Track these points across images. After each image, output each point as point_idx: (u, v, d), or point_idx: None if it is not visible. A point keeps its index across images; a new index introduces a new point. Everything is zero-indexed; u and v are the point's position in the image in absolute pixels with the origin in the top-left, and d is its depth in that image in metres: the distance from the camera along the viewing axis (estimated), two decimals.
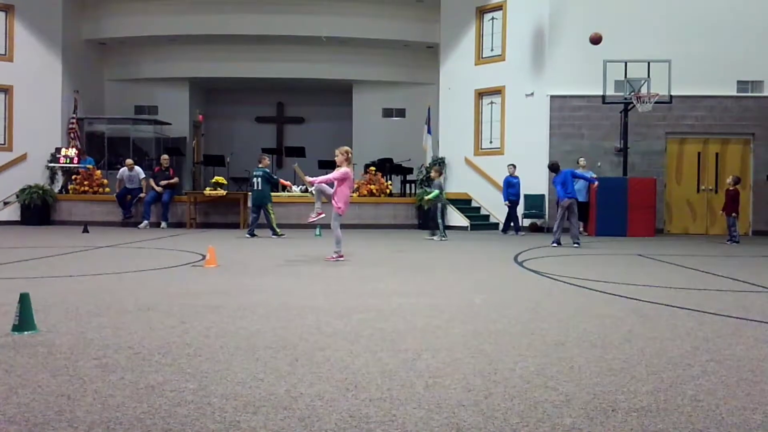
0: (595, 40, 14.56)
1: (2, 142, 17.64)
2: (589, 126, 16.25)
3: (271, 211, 13.33)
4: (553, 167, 12.59)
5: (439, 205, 13.35)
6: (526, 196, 16.05)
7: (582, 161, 15.14)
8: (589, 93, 15.80)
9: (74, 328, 4.32)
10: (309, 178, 9.09)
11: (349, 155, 9.01)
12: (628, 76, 14.99)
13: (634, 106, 14.87)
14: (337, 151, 9.02)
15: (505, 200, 15.38)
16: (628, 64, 15.00)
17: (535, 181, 15.97)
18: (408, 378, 3.26)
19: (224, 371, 3.34)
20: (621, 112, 15.36)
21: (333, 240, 8.98)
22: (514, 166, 15.49)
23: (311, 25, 19.62)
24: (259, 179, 13.22)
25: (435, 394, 3.01)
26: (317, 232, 13.86)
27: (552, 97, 16.23)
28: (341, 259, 8.85)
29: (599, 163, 15.95)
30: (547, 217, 16.11)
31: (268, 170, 13.50)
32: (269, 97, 24.39)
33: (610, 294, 6.14)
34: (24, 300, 4.19)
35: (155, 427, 2.55)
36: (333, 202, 8.95)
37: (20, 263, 8.19)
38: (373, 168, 17.58)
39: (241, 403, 2.84)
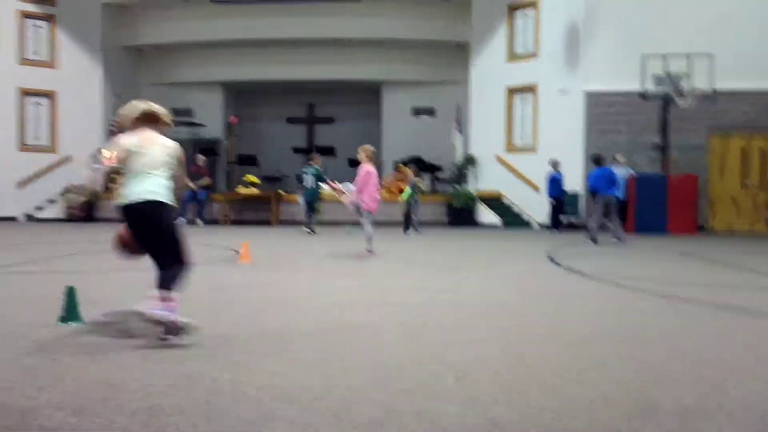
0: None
1: (48, 145, 18.19)
2: (627, 122, 15.93)
3: (318, 209, 13.56)
4: (597, 159, 12.15)
5: (412, 201, 13.66)
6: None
7: (620, 157, 14.77)
8: (626, 89, 15.43)
9: (115, 320, 4.48)
10: (347, 200, 9.42)
11: (372, 154, 9.15)
12: (667, 71, 14.59)
13: (674, 101, 14.54)
14: (360, 150, 9.20)
15: (550, 197, 15.00)
16: (667, 58, 14.58)
17: (570, 179, 15.76)
18: (438, 372, 3.27)
19: (258, 362, 3.44)
20: (660, 107, 15.03)
21: (365, 237, 9.09)
22: (558, 162, 15.15)
23: (340, 27, 19.75)
24: (311, 177, 13.46)
25: (466, 389, 3.01)
26: (348, 230, 13.95)
27: (587, 93, 15.99)
28: (371, 253, 8.97)
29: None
30: (582, 214, 15.90)
31: (319, 169, 13.74)
32: (300, 98, 24.56)
33: (648, 291, 6.03)
34: (70, 293, 4.36)
35: (194, 414, 2.65)
36: (362, 201, 9.06)
37: (66, 258, 8.45)
38: (402, 165, 17.61)
39: (276, 394, 2.92)
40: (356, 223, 14.09)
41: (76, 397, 2.85)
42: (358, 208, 9.20)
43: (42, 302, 5.09)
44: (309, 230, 13.39)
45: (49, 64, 18.26)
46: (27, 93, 17.89)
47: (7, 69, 17.42)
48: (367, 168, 9.02)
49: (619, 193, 13.71)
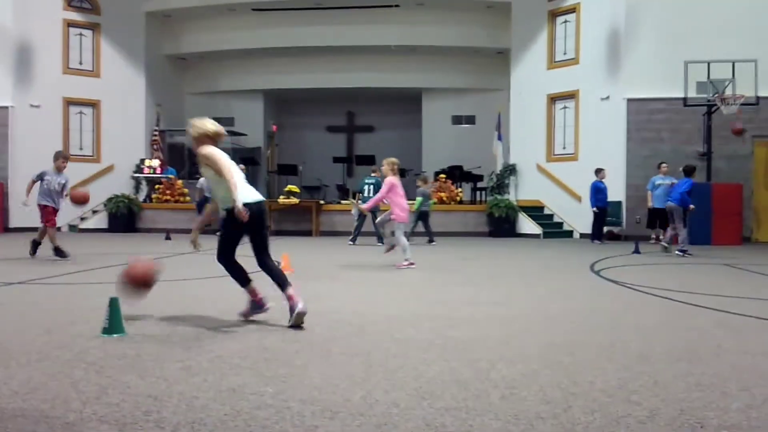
0: (738, 132, 14.07)
1: (91, 154, 18.58)
2: (670, 129, 15.65)
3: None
4: (688, 171, 11.79)
5: (419, 213, 13.78)
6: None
7: (664, 167, 14.46)
8: (669, 95, 15.19)
9: (159, 332, 4.50)
10: (363, 206, 9.60)
11: (395, 166, 9.20)
12: (711, 77, 14.35)
13: (718, 108, 14.25)
14: (384, 162, 9.30)
15: (593, 206, 14.68)
16: (710, 64, 14.36)
17: (612, 188, 15.49)
18: (483, 388, 3.23)
19: (301, 376, 3.41)
20: (704, 115, 14.74)
21: (400, 249, 9.09)
22: (602, 170, 14.86)
23: (380, 35, 19.83)
24: (371, 187, 13.56)
25: (512, 406, 2.96)
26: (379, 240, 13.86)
27: (629, 100, 15.74)
28: (413, 266, 8.90)
29: (681, 169, 15.29)
30: (624, 224, 15.63)
31: (380, 180, 13.80)
32: (340, 107, 24.72)
33: (695, 305, 5.87)
34: (113, 304, 4.39)
35: (237, 429, 2.63)
36: (392, 214, 9.17)
37: (109, 269, 8.58)
38: (443, 175, 17.55)
39: (318, 408, 2.89)
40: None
41: (120, 410, 2.85)
42: (389, 220, 9.26)
43: (85, 313, 5.16)
44: (352, 242, 13.48)
45: (93, 74, 18.68)
46: (71, 102, 18.31)
47: (52, 78, 17.85)
48: (389, 180, 9.06)
49: (658, 201, 13.52)
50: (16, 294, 6.32)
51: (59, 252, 9.60)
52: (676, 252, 11.26)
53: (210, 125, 4.99)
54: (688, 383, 3.35)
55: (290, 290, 4.74)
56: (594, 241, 14.57)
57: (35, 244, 9.88)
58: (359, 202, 13.39)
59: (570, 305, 5.91)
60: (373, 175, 14.04)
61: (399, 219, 9.09)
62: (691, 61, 14.35)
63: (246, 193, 4.78)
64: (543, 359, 3.82)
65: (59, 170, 9.80)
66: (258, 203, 4.84)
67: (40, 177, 9.71)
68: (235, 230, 4.88)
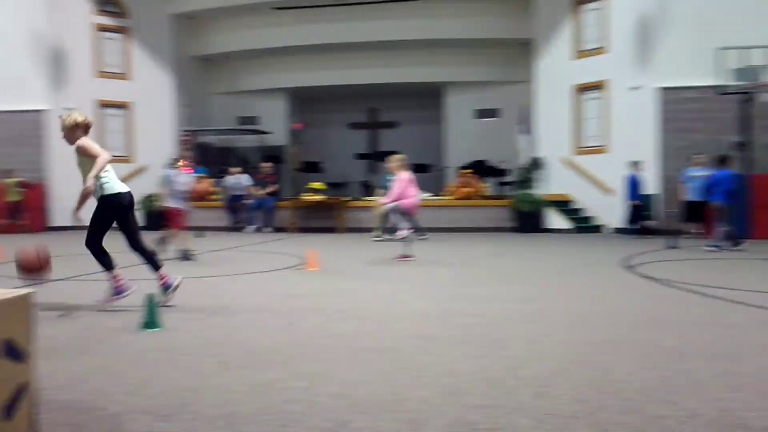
0: None
1: (125, 155, 18.95)
2: (704, 119, 15.15)
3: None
4: (724, 160, 11.41)
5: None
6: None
7: (699, 158, 14.02)
8: (703, 84, 14.56)
9: (194, 327, 4.63)
10: (386, 206, 9.59)
11: (403, 161, 9.59)
12: (746, 64, 13.72)
13: (756, 96, 13.86)
14: (390, 160, 9.78)
15: (632, 200, 14.23)
16: (746, 51, 13.70)
17: (645, 180, 15.16)
18: (514, 386, 3.22)
19: (331, 371, 3.47)
20: (740, 103, 14.35)
21: (403, 243, 9.37)
22: (638, 162, 14.38)
23: (401, 29, 19.79)
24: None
25: (544, 404, 2.94)
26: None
27: (661, 89, 15.40)
28: (410, 259, 9.22)
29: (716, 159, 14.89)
30: (659, 218, 15.27)
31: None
32: (362, 103, 24.73)
33: (734, 302, 5.67)
34: (150, 300, 4.54)
35: (270, 422, 2.71)
36: (403, 209, 9.36)
37: (145, 266, 8.76)
38: (467, 170, 17.48)
39: (349, 403, 2.95)
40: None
41: (159, 402, 2.96)
42: (401, 214, 9.42)
43: (125, 309, 5.31)
44: (380, 238, 13.56)
45: (124, 76, 18.98)
46: (104, 105, 18.64)
47: (85, 82, 18.17)
48: (401, 176, 9.34)
49: (696, 194, 13.19)
50: (57, 291, 6.51)
51: (186, 254, 9.52)
52: (709, 247, 10.93)
53: (79, 116, 5.39)
54: (727, 383, 3.25)
55: (162, 271, 5.43)
56: (629, 235, 14.33)
57: (184, 253, 9.62)
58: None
59: (603, 302, 5.78)
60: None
61: (411, 212, 9.46)
62: (725, 48, 13.88)
63: (118, 184, 5.41)
64: (576, 357, 3.77)
65: (181, 170, 9.74)
66: (128, 193, 5.48)
67: (168, 179, 9.56)
68: (107, 217, 5.39)
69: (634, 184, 14.21)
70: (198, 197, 9.64)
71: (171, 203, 9.57)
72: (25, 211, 16.80)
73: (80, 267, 8.57)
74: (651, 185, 15.08)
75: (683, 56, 14.98)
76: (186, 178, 9.66)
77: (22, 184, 16.57)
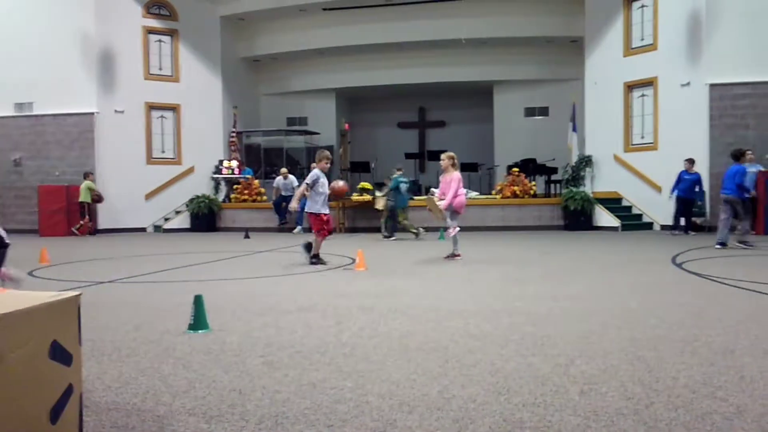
0: None
1: (173, 157, 19.30)
2: (756, 115, 14.87)
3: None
4: (736, 156, 11.21)
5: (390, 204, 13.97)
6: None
7: (749, 154, 13.77)
8: (754, 79, 14.46)
9: (242, 328, 4.65)
10: (441, 205, 9.22)
11: (455, 159, 9.39)
12: None
13: None
14: (444, 156, 9.36)
15: (700, 199, 14.51)
16: None
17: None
18: (562, 384, 3.19)
19: (379, 371, 3.46)
20: None
21: (452, 241, 9.31)
22: (690, 160, 14.22)
23: (450, 29, 19.71)
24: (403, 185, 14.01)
25: (591, 401, 2.92)
26: (440, 236, 13.65)
27: (711, 85, 15.04)
28: (458, 257, 9.20)
29: (767, 156, 14.61)
30: (708, 215, 14.97)
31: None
32: (411, 103, 24.74)
33: None
34: (198, 301, 4.57)
35: (318, 422, 2.70)
36: (454, 208, 9.23)
37: (193, 267, 8.92)
38: (516, 169, 17.30)
39: (396, 402, 2.93)
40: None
41: (206, 404, 2.97)
42: (451, 213, 9.29)
43: (172, 310, 5.38)
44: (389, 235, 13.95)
45: (173, 79, 19.36)
46: (153, 107, 19.04)
47: (135, 84, 18.61)
48: (457, 175, 9.22)
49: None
50: (105, 292, 6.66)
51: (316, 259, 8.89)
52: (738, 244, 10.67)
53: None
54: None
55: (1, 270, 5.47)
56: (674, 232, 14.07)
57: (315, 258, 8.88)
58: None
59: (651, 299, 5.73)
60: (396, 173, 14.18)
61: (459, 211, 9.30)
62: None
63: None
64: (624, 354, 3.74)
65: (323, 171, 8.90)
66: None
67: (314, 182, 8.72)
68: None
69: (679, 181, 14.04)
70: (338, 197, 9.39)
71: (320, 209, 8.81)
72: (92, 214, 17.46)
73: (128, 269, 8.76)
74: (702, 182, 14.80)
75: (733, 52, 14.68)
76: (324, 178, 8.88)
77: (93, 189, 17.19)
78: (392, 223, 14.10)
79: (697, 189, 14.18)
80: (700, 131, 15.15)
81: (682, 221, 14.22)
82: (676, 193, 14.06)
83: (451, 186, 9.12)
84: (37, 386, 2.19)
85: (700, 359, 3.61)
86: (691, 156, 14.41)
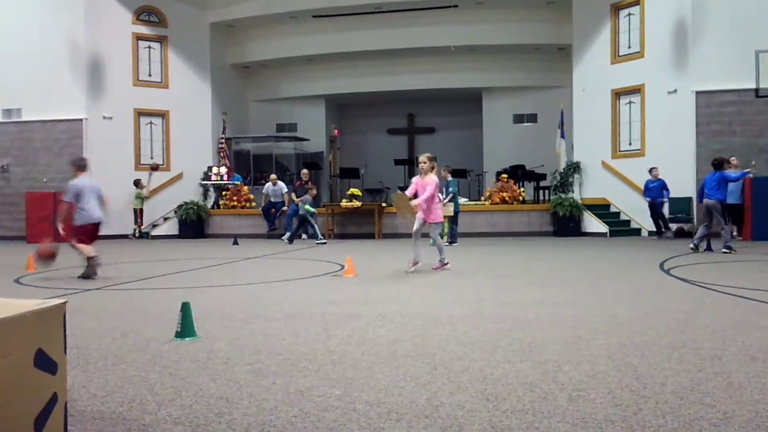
0: None
1: (161, 163, 19.20)
2: (742, 122, 15.03)
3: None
4: (717, 164, 11.39)
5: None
6: (670, 199, 15.12)
7: (734, 160, 14.00)
8: (740, 87, 14.61)
9: (229, 335, 4.63)
10: (413, 202, 8.60)
11: (434, 161, 8.79)
12: None
13: None
14: (424, 157, 8.70)
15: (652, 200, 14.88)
16: None
17: (681, 183, 15.01)
18: (550, 390, 3.20)
19: (367, 378, 3.45)
20: None
21: (437, 250, 8.90)
22: (653, 168, 14.87)
23: (439, 36, 19.79)
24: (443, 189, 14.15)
25: (579, 408, 2.93)
26: (432, 242, 13.59)
27: (698, 92, 15.19)
28: (447, 266, 8.79)
29: (753, 162, 14.75)
30: (695, 221, 15.10)
31: (449, 181, 14.14)
32: (400, 109, 24.78)
33: None
34: (185, 308, 4.54)
35: (305, 430, 2.69)
36: (429, 215, 8.70)
37: (180, 274, 8.87)
38: (505, 175, 17.36)
39: (384, 410, 2.92)
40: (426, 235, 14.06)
41: (193, 412, 2.95)
42: (424, 222, 8.76)
43: (159, 317, 5.35)
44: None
45: (162, 85, 19.30)
46: (142, 113, 18.96)
47: (123, 90, 18.52)
48: (434, 179, 8.66)
49: (733, 197, 13.21)
50: (91, 300, 6.61)
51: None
52: (723, 250, 10.87)
53: None
54: (763, 384, 3.24)
55: None
56: (664, 238, 14.29)
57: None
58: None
59: (639, 305, 5.76)
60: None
61: (435, 220, 8.85)
62: (762, 51, 13.72)
63: None
64: (612, 360, 3.75)
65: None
66: None
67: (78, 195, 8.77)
68: None
69: (647, 189, 14.84)
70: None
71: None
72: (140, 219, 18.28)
73: (113, 276, 8.70)
74: (688, 188, 15.19)
75: (719, 59, 14.90)
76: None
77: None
78: (454, 228, 14.03)
79: (664, 193, 14.75)
80: (687, 138, 15.30)
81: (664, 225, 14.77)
82: (648, 200, 14.76)
83: (426, 188, 8.53)
84: (22, 395, 2.17)
85: (688, 365, 3.63)
86: (678, 162, 14.59)
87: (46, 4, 17.69)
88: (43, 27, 17.60)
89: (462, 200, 16.06)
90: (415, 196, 8.66)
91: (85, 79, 17.78)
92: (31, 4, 17.74)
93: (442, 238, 13.61)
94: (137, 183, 17.91)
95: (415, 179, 8.90)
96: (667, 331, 4.55)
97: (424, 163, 8.69)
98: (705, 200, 11.26)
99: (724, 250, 10.90)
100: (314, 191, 16.38)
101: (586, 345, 4.17)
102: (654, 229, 15.07)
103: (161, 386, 3.37)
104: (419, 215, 8.66)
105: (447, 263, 8.91)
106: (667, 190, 14.66)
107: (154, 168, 18.20)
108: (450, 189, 13.79)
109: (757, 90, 13.84)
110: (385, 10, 19.66)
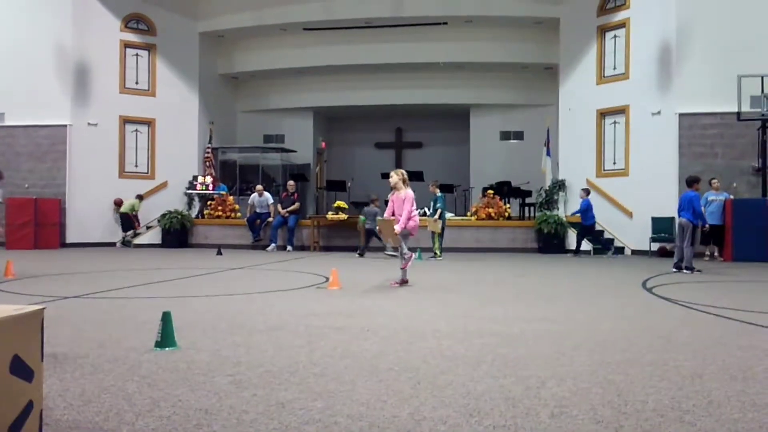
0: None
1: (146, 171, 19.09)
2: (723, 145, 15.26)
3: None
4: (689, 181, 11.54)
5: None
6: (653, 219, 15.30)
7: (715, 182, 14.23)
8: (722, 110, 14.87)
9: (211, 346, 4.58)
10: (397, 228, 8.50)
11: (405, 176, 8.80)
12: (765, 91, 14.05)
13: None
14: (394, 174, 8.79)
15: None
16: (765, 78, 14.08)
17: (664, 203, 15.17)
18: (532, 406, 3.19)
19: (349, 392, 3.42)
20: (759, 129, 14.37)
21: (401, 264, 8.74)
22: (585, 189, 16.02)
23: (428, 52, 19.94)
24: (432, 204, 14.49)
25: (561, 424, 2.91)
26: (417, 256, 13.55)
27: (681, 115, 15.42)
28: (406, 284, 8.67)
29: (735, 184, 14.94)
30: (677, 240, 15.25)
31: (438, 197, 14.39)
32: (388, 123, 24.88)
33: (751, 324, 5.68)
34: (166, 318, 4.48)
35: None
36: (408, 230, 8.62)
37: (162, 283, 8.79)
38: (491, 191, 17.44)
39: (366, 424, 2.89)
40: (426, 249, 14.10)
41: (171, 423, 2.90)
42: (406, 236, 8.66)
43: (139, 327, 5.28)
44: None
45: (149, 93, 19.23)
46: (127, 121, 18.87)
47: (109, 98, 18.44)
48: (411, 194, 8.64)
49: (713, 218, 13.59)
50: (70, 307, 6.52)
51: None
52: (684, 270, 11.04)
53: None
54: (743, 403, 3.25)
55: None
56: (647, 258, 14.42)
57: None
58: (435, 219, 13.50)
59: (622, 323, 5.78)
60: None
61: (413, 233, 8.77)
62: (744, 75, 14.03)
63: None
64: (594, 377, 3.75)
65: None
66: None
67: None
68: None
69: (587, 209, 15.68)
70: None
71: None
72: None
73: (93, 284, 8.61)
74: (671, 208, 15.24)
75: (702, 83, 15.16)
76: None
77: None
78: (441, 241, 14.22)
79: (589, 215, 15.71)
80: (670, 159, 15.48)
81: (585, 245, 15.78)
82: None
83: (404, 206, 8.51)
84: None
85: (669, 383, 3.64)
86: (660, 183, 14.73)
87: (33, 8, 17.61)
88: (30, 32, 17.53)
89: (448, 215, 16.08)
90: (394, 213, 8.72)
91: (71, 85, 17.69)
92: (18, 7, 17.65)
93: (435, 255, 13.72)
94: (140, 197, 18.26)
95: (391, 196, 8.91)
96: (649, 349, 4.57)
97: (392, 178, 8.79)
98: (678, 218, 11.50)
99: (685, 270, 11.00)
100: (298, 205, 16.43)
101: (569, 361, 4.17)
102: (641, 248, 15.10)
103: (139, 396, 3.31)
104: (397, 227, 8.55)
105: (407, 280, 8.74)
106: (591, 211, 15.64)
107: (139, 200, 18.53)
108: (438, 205, 13.80)
109: (738, 113, 14.13)
110: (376, 25, 19.79)
